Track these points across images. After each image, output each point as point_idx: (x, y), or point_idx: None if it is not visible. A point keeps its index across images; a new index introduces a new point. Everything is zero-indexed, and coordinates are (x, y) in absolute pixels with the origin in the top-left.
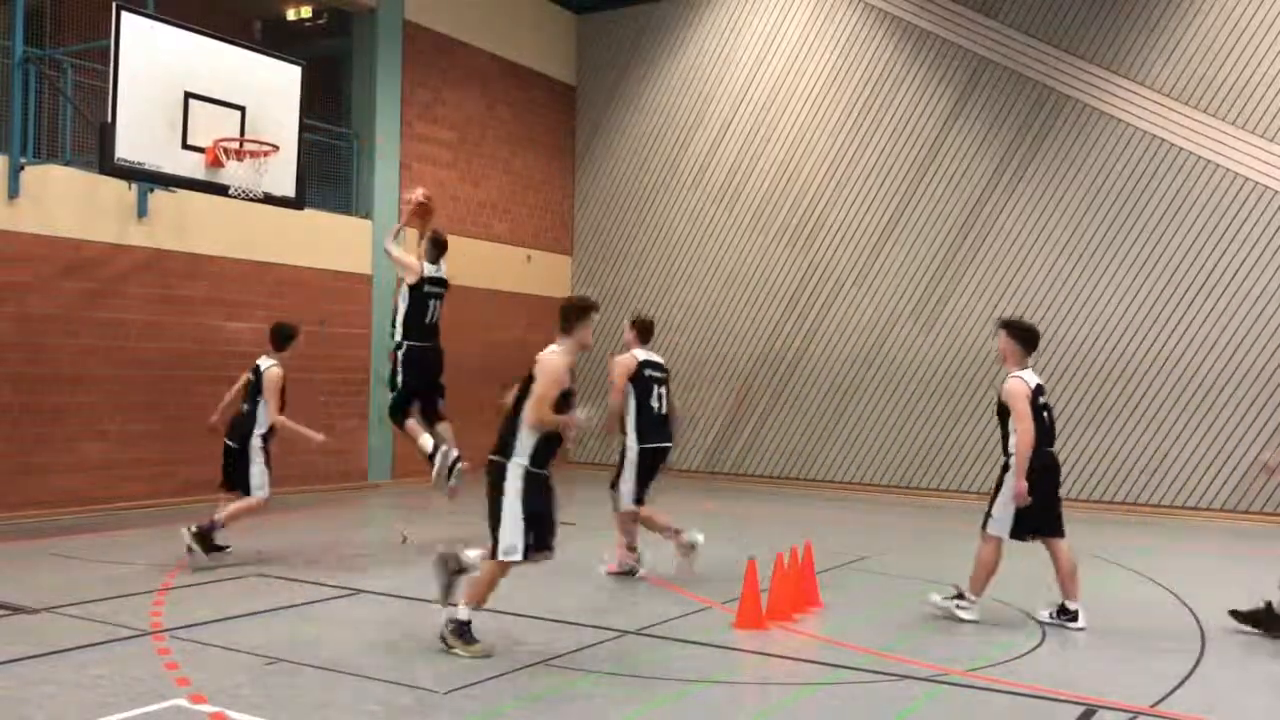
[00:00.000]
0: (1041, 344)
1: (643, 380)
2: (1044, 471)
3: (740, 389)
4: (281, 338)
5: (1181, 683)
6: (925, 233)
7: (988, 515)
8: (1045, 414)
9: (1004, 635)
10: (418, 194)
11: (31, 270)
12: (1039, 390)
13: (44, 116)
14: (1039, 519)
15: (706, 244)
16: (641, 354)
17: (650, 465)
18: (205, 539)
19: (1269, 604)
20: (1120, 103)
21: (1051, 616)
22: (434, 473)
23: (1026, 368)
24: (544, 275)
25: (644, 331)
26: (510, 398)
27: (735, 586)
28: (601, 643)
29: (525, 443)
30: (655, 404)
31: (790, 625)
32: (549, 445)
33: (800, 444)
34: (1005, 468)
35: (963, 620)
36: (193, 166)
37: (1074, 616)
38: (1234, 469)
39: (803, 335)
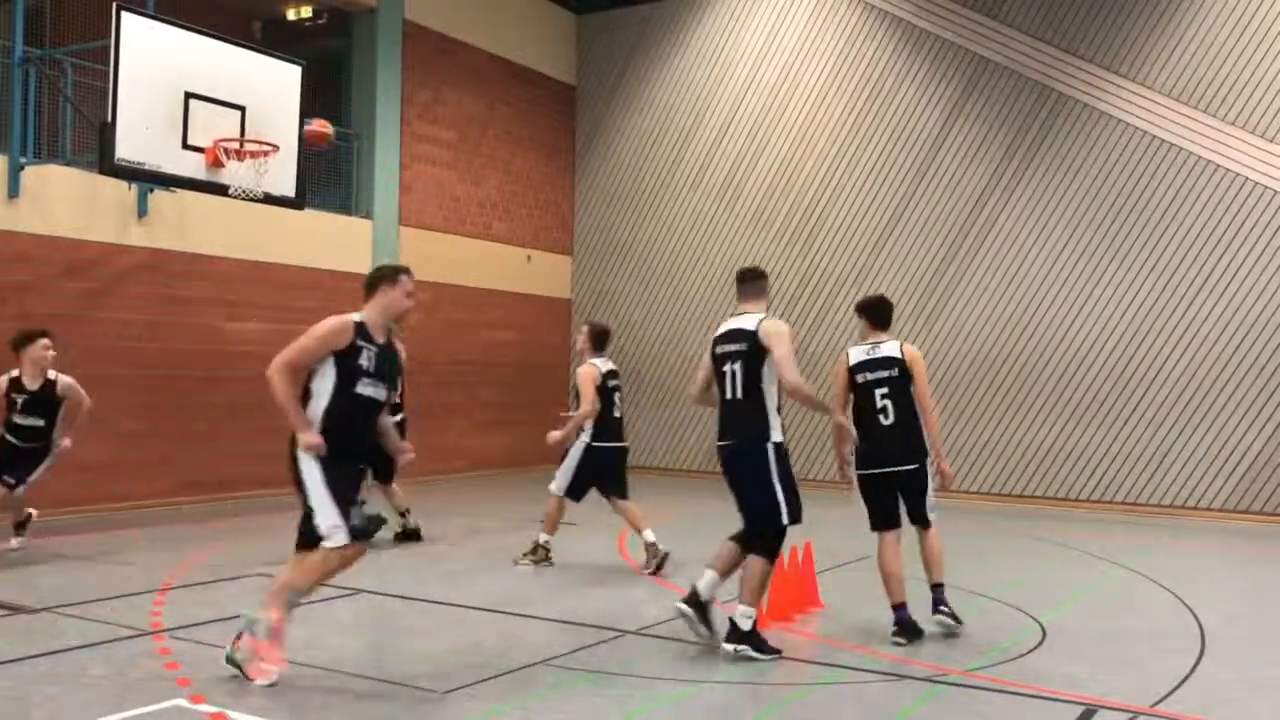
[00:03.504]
0: (1042, 344)
1: None
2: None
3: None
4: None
5: (1181, 683)
6: (925, 233)
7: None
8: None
9: (1004, 635)
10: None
11: (31, 270)
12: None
13: (44, 116)
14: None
15: (707, 244)
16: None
17: None
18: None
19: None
20: (1120, 103)
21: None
22: None
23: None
24: (544, 275)
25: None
26: None
27: (735, 586)
28: (601, 643)
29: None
30: None
31: (790, 625)
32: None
33: (801, 444)
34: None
35: None
36: (193, 166)
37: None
38: (1234, 469)
39: (803, 335)
